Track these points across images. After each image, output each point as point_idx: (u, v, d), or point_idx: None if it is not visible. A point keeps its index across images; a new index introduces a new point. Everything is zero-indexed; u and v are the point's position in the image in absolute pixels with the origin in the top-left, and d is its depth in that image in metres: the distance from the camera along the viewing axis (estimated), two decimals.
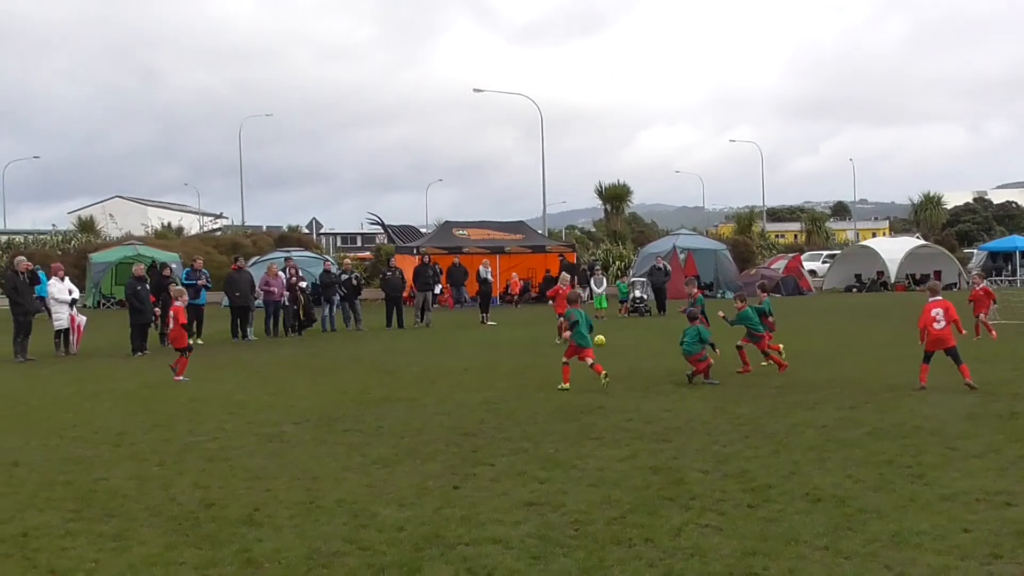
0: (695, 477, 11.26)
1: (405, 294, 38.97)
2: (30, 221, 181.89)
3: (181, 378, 20.68)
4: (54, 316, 27.72)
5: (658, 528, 9.26)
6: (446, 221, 59.52)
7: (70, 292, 27.88)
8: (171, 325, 21.85)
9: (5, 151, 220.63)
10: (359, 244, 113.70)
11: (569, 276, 29.37)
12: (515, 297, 48.89)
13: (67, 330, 27.70)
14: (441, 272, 45.24)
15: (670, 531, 9.17)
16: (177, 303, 21.98)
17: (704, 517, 9.62)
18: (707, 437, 13.61)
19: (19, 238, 74.39)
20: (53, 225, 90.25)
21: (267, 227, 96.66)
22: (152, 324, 28.52)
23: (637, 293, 40.91)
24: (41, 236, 75.57)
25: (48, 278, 29.08)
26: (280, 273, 33.79)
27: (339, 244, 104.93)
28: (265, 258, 48.01)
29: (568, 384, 18.25)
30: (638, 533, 9.11)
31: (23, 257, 28.56)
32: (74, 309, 27.97)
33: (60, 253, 57.31)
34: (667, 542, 8.83)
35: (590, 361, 18.65)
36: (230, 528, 9.65)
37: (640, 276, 45.75)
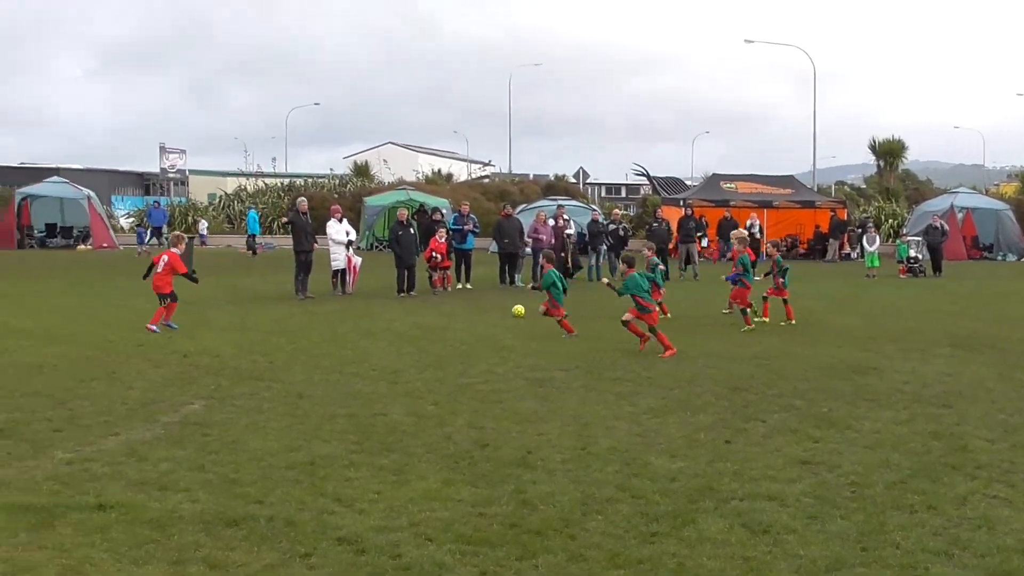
0: (980, 445, 10.82)
1: (671, 246, 38.73)
2: (309, 165, 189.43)
3: (154, 327, 19.54)
4: (332, 257, 28.76)
5: (941, 496, 8.95)
6: (713, 174, 58.84)
7: (347, 234, 28.83)
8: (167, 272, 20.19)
9: (288, 97, 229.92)
10: (623, 195, 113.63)
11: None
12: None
13: (343, 270, 28.70)
14: (707, 225, 44.81)
15: (954, 500, 8.85)
16: (173, 250, 20.98)
17: (991, 488, 9.22)
18: (991, 404, 13.05)
19: (300, 181, 77.38)
20: (331, 169, 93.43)
21: (533, 175, 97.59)
22: (431, 268, 29.28)
23: (912, 253, 39.51)
24: (320, 180, 78.39)
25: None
26: (549, 220, 34.12)
27: (603, 194, 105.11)
28: (532, 206, 48.57)
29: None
30: (920, 500, 8.82)
31: (304, 199, 29.75)
32: (350, 250, 28.93)
33: (337, 196, 59.32)
34: (952, 511, 8.52)
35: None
36: (504, 469, 9.84)
37: (915, 235, 44.16)
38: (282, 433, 11.31)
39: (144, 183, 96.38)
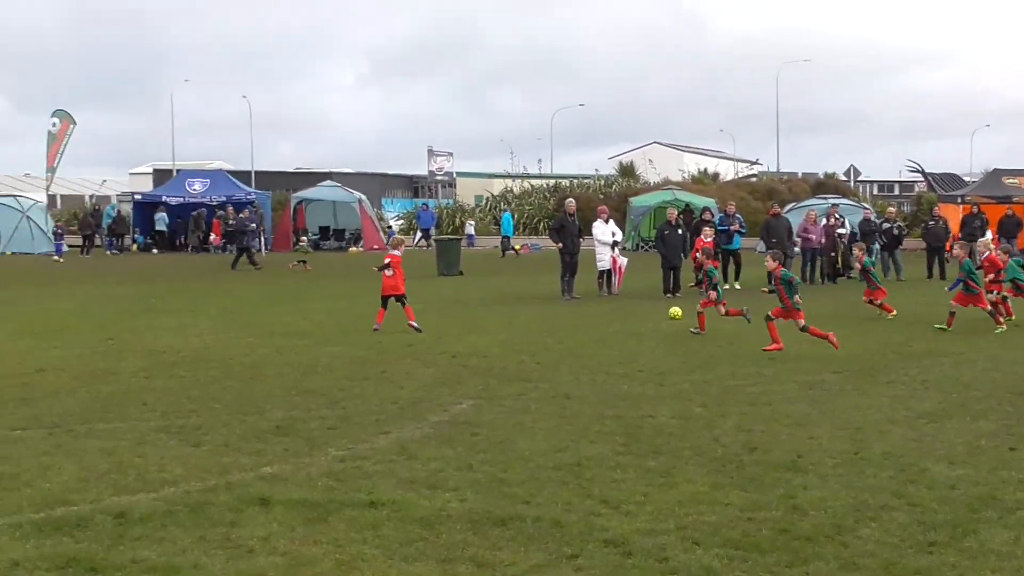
0: None
1: (948, 245, 37.15)
2: (575, 166, 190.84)
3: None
4: (597, 257, 28.80)
5: None
6: (995, 169, 56.16)
7: (612, 234, 28.82)
8: None
9: (554, 99, 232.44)
10: (896, 192, 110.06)
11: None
12: None
13: (609, 271, 28.71)
14: (987, 222, 42.80)
15: None
16: (395, 252, 20.78)
17: None
18: None
19: (565, 182, 78.11)
20: (596, 169, 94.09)
21: (802, 173, 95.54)
22: (696, 269, 29.01)
23: None
24: (585, 180, 78.97)
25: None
26: (820, 219, 33.28)
27: (875, 192, 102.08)
28: (801, 204, 47.53)
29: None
30: None
31: (572, 200, 29.95)
32: (616, 251, 28.92)
33: (602, 196, 59.61)
34: None
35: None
36: (774, 473, 9.57)
37: None
38: (549, 433, 11.33)
39: (413, 186, 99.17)
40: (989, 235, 33.87)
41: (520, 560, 7.36)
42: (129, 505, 8.68)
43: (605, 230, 28.63)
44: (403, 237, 23.14)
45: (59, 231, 50.68)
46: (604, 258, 28.61)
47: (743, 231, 32.53)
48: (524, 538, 7.81)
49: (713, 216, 33.01)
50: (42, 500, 8.88)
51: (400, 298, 20.15)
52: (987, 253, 22.17)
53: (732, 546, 7.55)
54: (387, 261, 20.11)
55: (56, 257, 44.98)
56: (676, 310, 21.70)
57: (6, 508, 8.66)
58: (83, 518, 8.32)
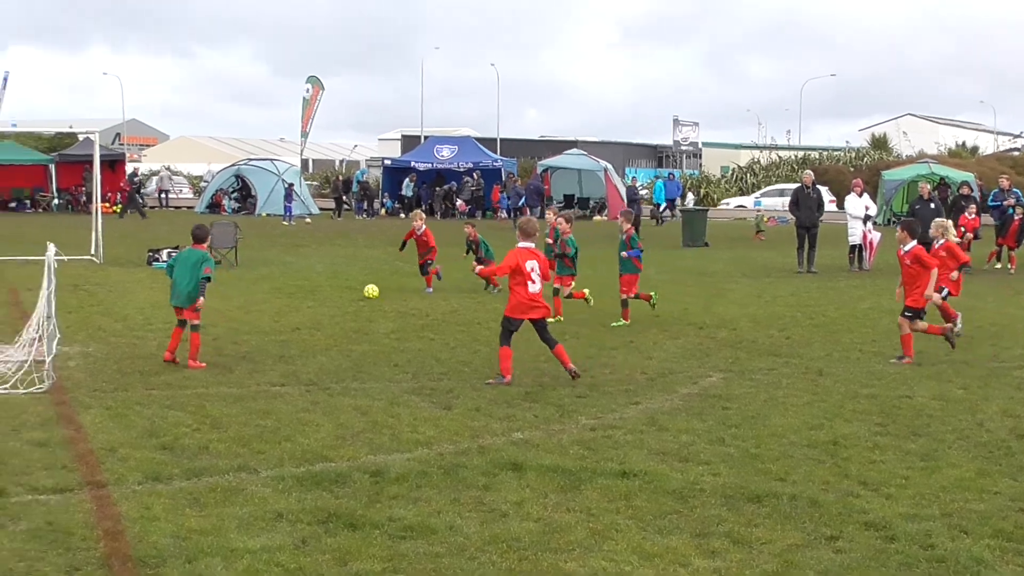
0: None
1: None
2: (824, 137, 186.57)
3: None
4: (849, 231, 28.00)
5: None
6: None
7: (866, 208, 27.96)
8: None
9: (804, 68, 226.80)
10: None
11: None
12: None
13: (860, 246, 27.87)
14: None
15: None
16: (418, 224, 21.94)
17: None
18: None
19: (814, 154, 76.36)
20: (847, 142, 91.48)
21: None
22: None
23: None
24: (835, 152, 77.00)
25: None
26: None
27: None
28: None
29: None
30: None
31: (809, 172, 29.18)
32: (868, 225, 28.04)
33: (852, 169, 57.99)
34: None
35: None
36: None
37: None
38: (802, 410, 11.06)
39: (657, 155, 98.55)
40: None
41: (777, 538, 7.18)
42: (384, 464, 8.88)
43: (858, 204, 27.77)
44: (421, 212, 24.10)
45: (289, 193, 51.99)
46: (856, 232, 27.77)
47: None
48: (780, 516, 7.63)
49: (972, 191, 31.50)
50: (302, 455, 9.18)
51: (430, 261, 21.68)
52: None
53: (1004, 537, 7.19)
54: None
55: (285, 222, 46.40)
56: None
57: (269, 461, 8.98)
58: (341, 475, 8.55)
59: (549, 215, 22.26)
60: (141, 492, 8.07)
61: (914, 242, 14.29)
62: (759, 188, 66.93)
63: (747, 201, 63.78)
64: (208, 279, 13.27)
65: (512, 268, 12.48)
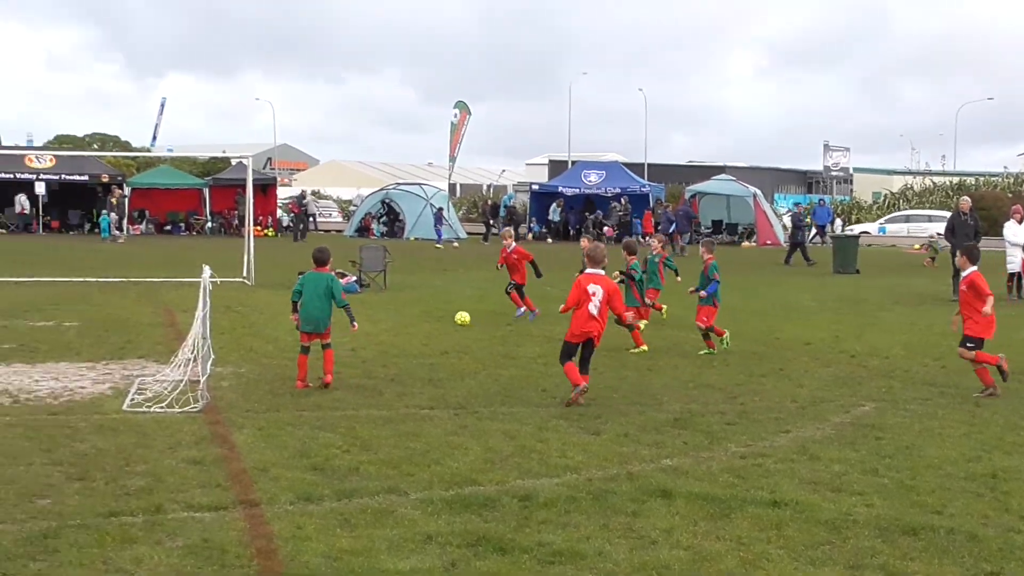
0: None
1: None
2: (981, 163, 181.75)
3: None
4: (1008, 259, 27.22)
5: None
6: None
7: None
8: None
9: (959, 92, 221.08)
10: None
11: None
12: None
13: (1019, 274, 27.08)
14: None
15: None
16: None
17: None
18: None
19: (970, 180, 74.51)
20: (1004, 167, 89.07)
21: None
22: None
23: None
24: (992, 178, 75.05)
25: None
26: None
27: None
28: None
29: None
30: None
31: (966, 198, 28.47)
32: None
33: (1011, 196, 56.37)
34: None
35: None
36: None
37: None
38: (959, 441, 10.79)
39: (807, 181, 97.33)
40: None
41: (934, 572, 7.03)
42: (533, 489, 8.90)
43: (1018, 231, 26.97)
44: (510, 230, 23.29)
45: (439, 217, 52.47)
46: (1015, 260, 26.98)
47: None
48: (937, 550, 7.45)
49: None
50: (451, 478, 9.25)
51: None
52: None
53: None
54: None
55: (439, 245, 47.06)
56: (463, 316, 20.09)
57: (418, 484, 9.07)
58: (490, 498, 8.59)
59: (654, 242, 21.86)
60: (293, 512, 8.22)
61: (973, 267, 13.93)
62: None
63: (871, 227, 62.43)
64: (347, 305, 13.42)
65: (578, 298, 12.58)
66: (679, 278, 20.97)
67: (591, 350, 12.78)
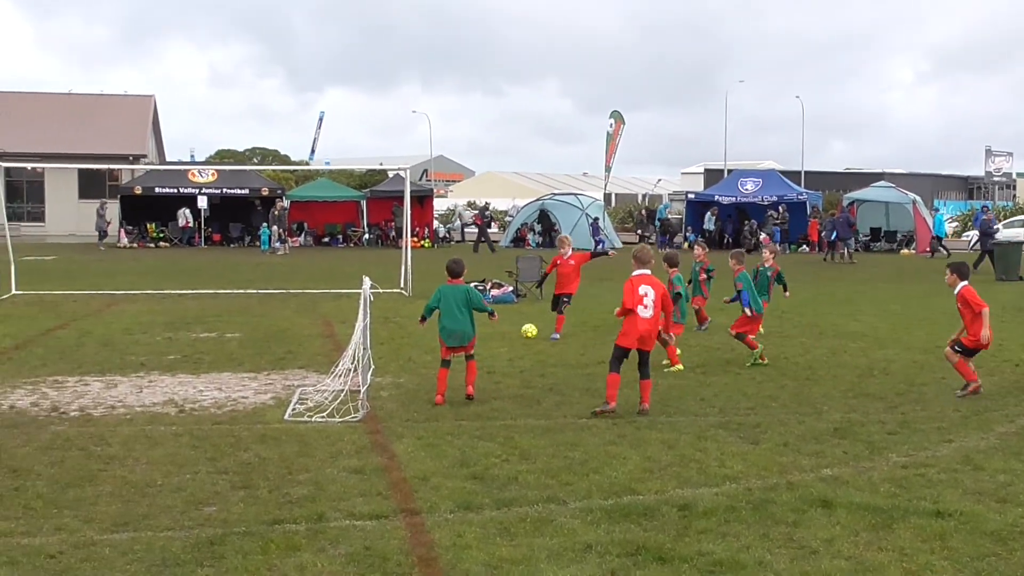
0: None
1: None
2: None
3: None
4: None
5: None
6: None
7: None
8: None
9: None
10: None
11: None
12: None
13: None
14: None
15: None
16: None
17: None
18: None
19: None
20: None
21: None
22: None
23: None
24: None
25: None
26: None
27: None
28: None
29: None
30: None
31: None
32: None
33: None
34: None
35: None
36: None
37: None
38: None
39: (968, 187, 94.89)
40: None
41: None
42: (692, 498, 8.97)
43: None
44: (569, 237, 21.38)
45: (595, 227, 52.42)
46: None
47: None
48: None
49: None
50: (609, 487, 9.36)
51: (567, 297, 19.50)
52: None
53: None
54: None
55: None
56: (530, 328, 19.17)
57: (577, 493, 9.20)
58: (649, 508, 8.69)
59: (697, 249, 20.97)
60: (453, 520, 8.39)
61: (963, 283, 13.90)
62: None
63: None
64: (492, 312, 13.53)
65: (631, 301, 12.55)
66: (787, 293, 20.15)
67: (647, 355, 12.70)
